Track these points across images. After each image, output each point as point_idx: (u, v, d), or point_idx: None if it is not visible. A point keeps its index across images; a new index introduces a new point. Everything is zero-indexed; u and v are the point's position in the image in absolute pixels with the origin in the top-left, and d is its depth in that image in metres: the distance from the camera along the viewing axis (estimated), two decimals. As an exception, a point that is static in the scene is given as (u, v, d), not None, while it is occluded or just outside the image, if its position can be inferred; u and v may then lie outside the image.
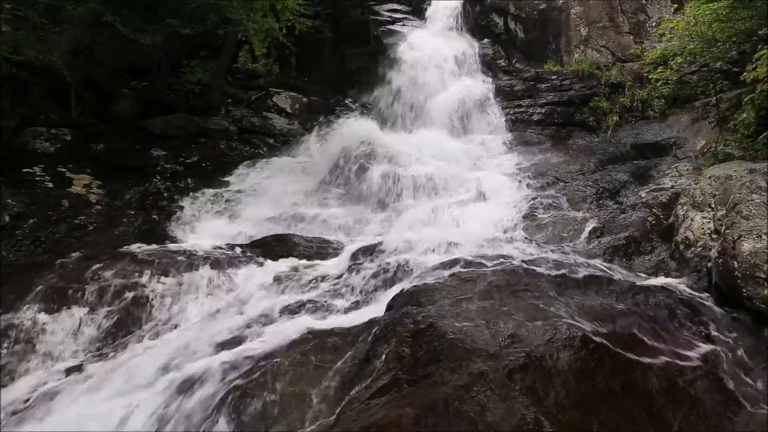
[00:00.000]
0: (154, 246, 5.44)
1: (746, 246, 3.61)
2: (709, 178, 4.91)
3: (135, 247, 5.28)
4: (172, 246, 5.52)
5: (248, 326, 3.95)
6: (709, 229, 4.56)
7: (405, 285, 4.07)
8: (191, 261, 4.96)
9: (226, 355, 3.46)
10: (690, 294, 3.90)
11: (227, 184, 7.37)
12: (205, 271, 4.85)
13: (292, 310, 4.14)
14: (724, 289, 3.80)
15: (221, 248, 5.53)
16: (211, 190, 7.07)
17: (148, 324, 4.29)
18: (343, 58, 11.20)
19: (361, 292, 4.46)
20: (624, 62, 10.08)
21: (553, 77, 9.95)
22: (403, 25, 11.53)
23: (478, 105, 9.57)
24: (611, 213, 5.97)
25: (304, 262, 5.25)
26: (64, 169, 6.52)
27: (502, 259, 4.44)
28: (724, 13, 6.51)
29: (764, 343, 3.36)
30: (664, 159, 7.44)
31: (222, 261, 5.06)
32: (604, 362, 2.84)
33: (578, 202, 6.49)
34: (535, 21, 11.10)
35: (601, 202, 6.43)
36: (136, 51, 7.38)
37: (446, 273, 4.09)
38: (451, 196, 7.10)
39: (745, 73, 5.57)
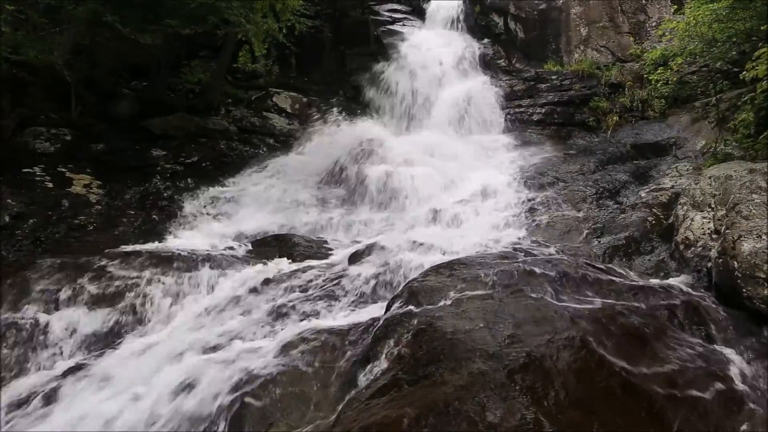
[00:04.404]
0: (154, 246, 5.45)
1: (746, 246, 3.61)
2: (709, 178, 4.91)
3: (135, 247, 5.29)
4: (172, 246, 5.53)
5: (248, 326, 3.96)
6: (709, 229, 4.56)
7: (405, 285, 4.06)
8: (191, 261, 4.97)
9: (226, 355, 3.47)
10: (690, 294, 3.89)
11: (227, 183, 7.39)
12: (204, 272, 4.85)
13: (291, 310, 4.14)
14: (724, 289, 3.80)
15: (221, 248, 5.55)
16: (211, 190, 7.09)
17: (147, 324, 4.30)
18: (343, 58, 11.19)
19: (361, 292, 4.46)
20: (624, 62, 10.07)
21: (553, 77, 9.95)
22: (403, 25, 11.53)
23: (478, 105, 9.56)
24: (611, 213, 5.97)
25: (304, 262, 5.25)
26: (64, 169, 6.53)
27: (502, 259, 4.43)
28: (723, 13, 6.51)
29: (764, 342, 3.35)
30: (664, 159, 7.44)
31: (222, 261, 5.06)
32: (604, 362, 2.84)
33: (578, 202, 6.48)
34: (535, 21, 11.10)
35: (601, 202, 6.43)
36: (136, 51, 7.38)
37: (446, 273, 4.08)
38: (451, 196, 7.11)
39: (744, 72, 5.57)
